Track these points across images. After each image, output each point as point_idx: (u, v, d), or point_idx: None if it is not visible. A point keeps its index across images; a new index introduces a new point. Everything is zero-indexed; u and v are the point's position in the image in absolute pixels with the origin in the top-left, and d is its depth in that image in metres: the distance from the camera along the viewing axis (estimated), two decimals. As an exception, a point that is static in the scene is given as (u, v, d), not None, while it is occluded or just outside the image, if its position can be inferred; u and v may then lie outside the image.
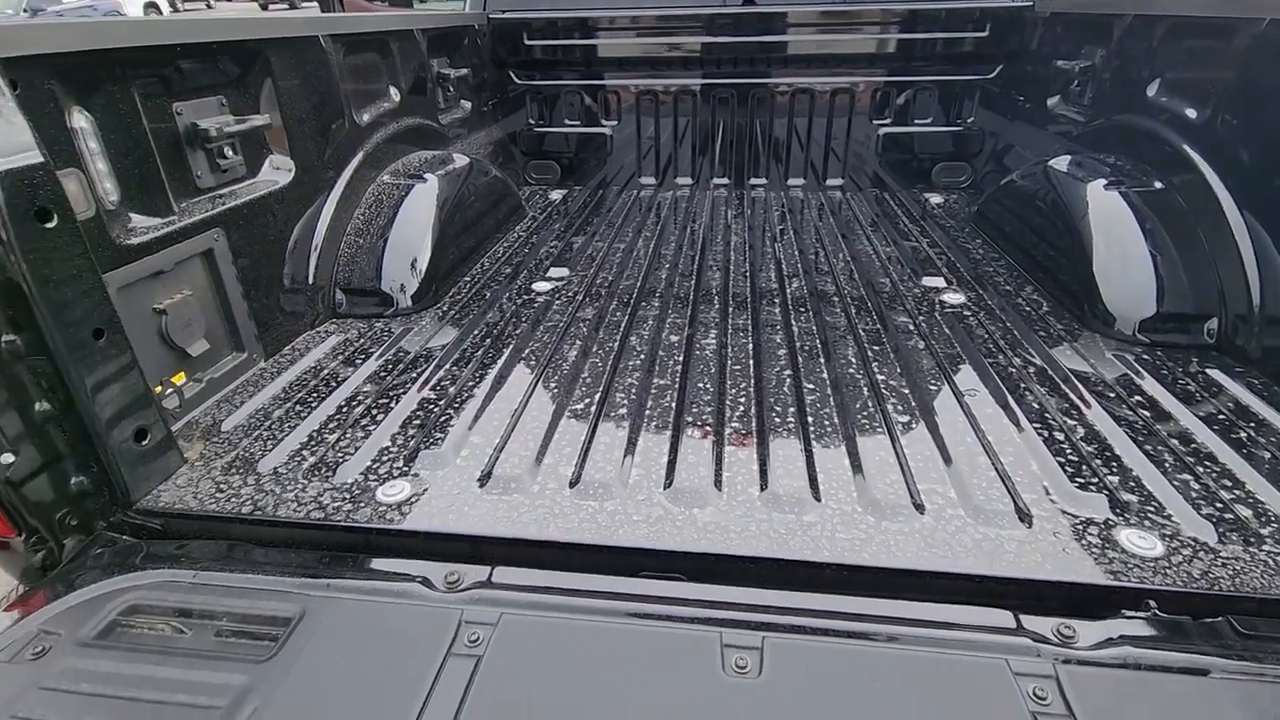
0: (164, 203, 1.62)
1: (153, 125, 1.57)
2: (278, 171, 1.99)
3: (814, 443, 1.52)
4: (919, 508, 1.32)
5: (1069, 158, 2.50)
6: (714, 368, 1.86)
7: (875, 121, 3.56)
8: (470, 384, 1.80)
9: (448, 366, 1.90)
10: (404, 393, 1.76)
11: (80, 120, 1.39)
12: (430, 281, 2.32)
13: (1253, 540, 1.21)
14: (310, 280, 2.11)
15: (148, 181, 1.58)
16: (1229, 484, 1.36)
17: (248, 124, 1.82)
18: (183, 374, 1.66)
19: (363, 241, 2.28)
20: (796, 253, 2.72)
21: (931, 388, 1.73)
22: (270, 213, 1.95)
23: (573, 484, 1.41)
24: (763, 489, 1.39)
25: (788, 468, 1.44)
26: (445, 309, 2.29)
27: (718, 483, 1.41)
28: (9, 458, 1.21)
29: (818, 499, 1.35)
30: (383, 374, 1.87)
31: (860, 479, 1.40)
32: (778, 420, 1.61)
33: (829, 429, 1.57)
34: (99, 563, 1.28)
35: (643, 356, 1.92)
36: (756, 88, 3.53)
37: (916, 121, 3.52)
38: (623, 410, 1.67)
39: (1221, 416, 1.58)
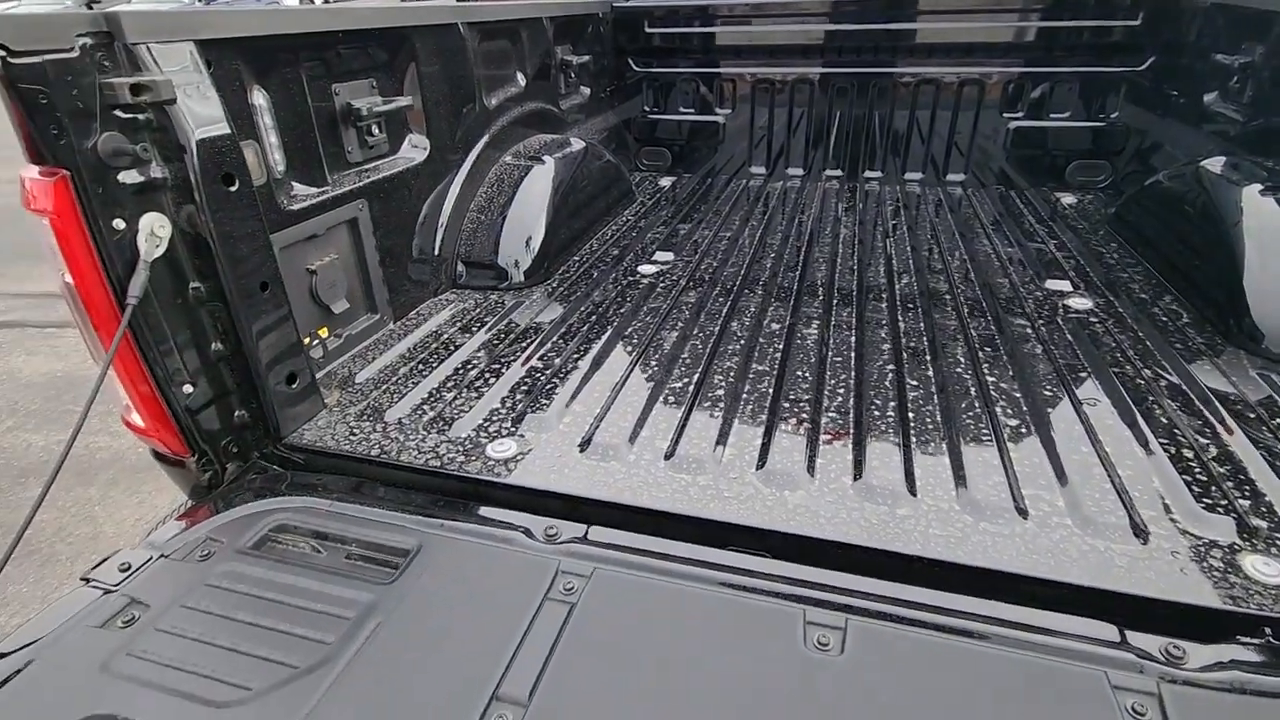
0: (320, 174, 1.80)
1: (315, 104, 1.75)
2: (415, 150, 2.16)
3: (913, 440, 1.50)
4: (1022, 512, 1.29)
5: (1224, 159, 2.29)
6: (814, 358, 1.86)
7: (1005, 114, 3.37)
8: (574, 357, 1.89)
9: (554, 340, 2.00)
10: (514, 361, 1.88)
11: (259, 98, 1.58)
12: (542, 259, 2.44)
13: None
14: (436, 252, 2.28)
15: (308, 154, 1.76)
16: None
17: (393, 105, 1.98)
18: (326, 329, 1.85)
19: (484, 218, 2.43)
20: (909, 249, 2.64)
21: (1046, 394, 1.66)
22: (406, 188, 2.12)
23: (667, 457, 1.47)
24: (856, 478, 1.39)
25: (884, 461, 1.44)
26: (555, 285, 2.40)
27: (810, 469, 1.42)
28: (189, 389, 1.41)
29: (913, 494, 1.34)
30: (495, 342, 2.00)
31: (960, 479, 1.38)
32: (877, 415, 1.60)
33: (930, 428, 1.55)
34: (253, 486, 1.47)
35: (742, 343, 1.95)
36: (878, 78, 3.43)
37: (1052, 115, 3.31)
38: (719, 392, 1.71)
39: None
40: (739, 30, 3.53)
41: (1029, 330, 1.98)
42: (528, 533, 1.29)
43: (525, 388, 1.75)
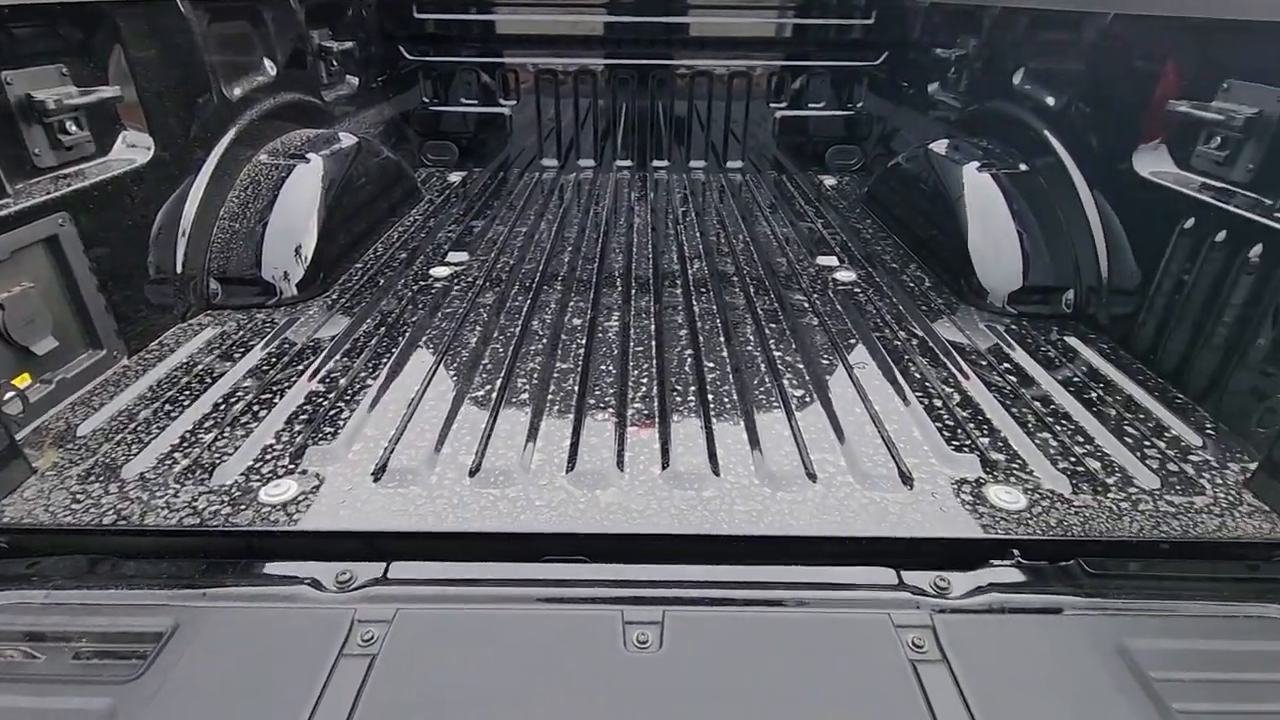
0: (-8, 184, 1.44)
1: (-26, 95, 1.39)
2: (134, 150, 1.81)
3: (714, 420, 1.55)
4: (811, 477, 1.38)
5: (947, 142, 2.65)
6: (617, 350, 1.86)
7: (772, 105, 3.65)
8: (363, 375, 1.72)
9: (338, 357, 1.80)
10: (289, 387, 1.66)
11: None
12: (317, 268, 2.20)
13: (1099, 489, 1.34)
14: (179, 269, 1.95)
15: (-29, 160, 1.40)
16: (1081, 440, 1.49)
17: (94, 96, 1.65)
18: (27, 375, 1.50)
19: (239, 226, 2.12)
20: (698, 235, 2.75)
21: (825, 363, 1.80)
22: (128, 195, 1.78)
23: (473, 472, 1.38)
24: (664, 467, 1.41)
25: (689, 445, 1.47)
26: (335, 297, 2.17)
27: (620, 464, 1.41)
28: None
29: (717, 474, 1.39)
30: (265, 368, 1.75)
31: (758, 453, 1.45)
32: (679, 400, 1.63)
33: (729, 406, 1.61)
34: (-71, 590, 1.14)
35: (545, 341, 1.90)
36: (657, 69, 3.53)
37: (810, 105, 3.64)
38: (524, 395, 1.64)
39: (1076, 379, 1.73)
40: (517, 19, 3.44)
41: (806, 304, 2.15)
42: (315, 584, 1.14)
43: (305, 416, 1.55)
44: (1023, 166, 2.32)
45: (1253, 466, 1.39)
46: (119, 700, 0.93)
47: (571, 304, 2.13)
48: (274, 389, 1.65)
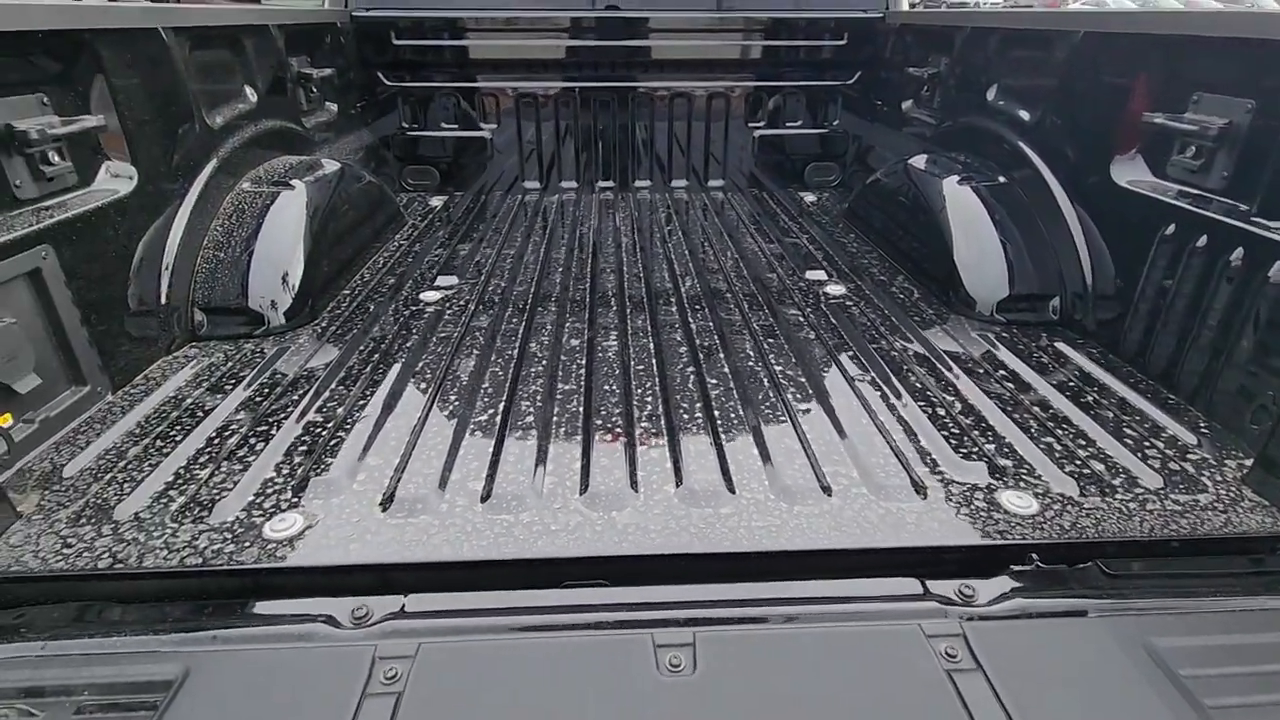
0: (-27, 217, 1.39)
1: (-46, 127, 1.34)
2: (117, 179, 1.77)
3: (723, 436, 1.55)
4: (826, 490, 1.38)
5: (925, 156, 2.72)
6: (618, 369, 1.85)
7: (750, 124, 3.70)
8: (360, 403, 1.68)
9: (333, 386, 1.76)
10: (285, 418, 1.61)
11: None
12: (305, 297, 2.15)
13: (1107, 490, 1.36)
14: (163, 300, 1.89)
15: (-50, 192, 1.35)
16: (1084, 443, 1.52)
17: (77, 126, 1.60)
18: (9, 415, 1.43)
19: (224, 255, 2.07)
20: (686, 252, 2.77)
21: (825, 375, 1.82)
22: (111, 226, 1.73)
23: (484, 499, 1.35)
24: (678, 485, 1.39)
25: (700, 462, 1.46)
26: (324, 325, 2.13)
27: (633, 483, 1.40)
28: None
29: (732, 490, 1.38)
30: (258, 399, 1.70)
31: (770, 467, 1.44)
32: (686, 417, 1.63)
33: (735, 421, 1.61)
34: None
35: (545, 363, 1.88)
36: (634, 91, 3.57)
37: (787, 125, 3.71)
38: (529, 419, 1.62)
39: (1070, 384, 1.77)
40: (491, 44, 3.45)
41: (800, 318, 2.17)
42: (331, 620, 1.10)
43: (304, 447, 1.51)
44: (1001, 179, 2.38)
45: (1249, 463, 1.43)
46: (132, 755, 0.88)
47: (568, 324, 2.11)
48: (269, 421, 1.60)
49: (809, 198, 3.60)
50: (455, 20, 3.37)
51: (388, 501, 1.34)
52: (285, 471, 1.43)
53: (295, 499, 1.35)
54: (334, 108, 3.11)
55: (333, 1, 3.23)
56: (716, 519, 1.30)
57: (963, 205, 2.35)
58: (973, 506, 1.33)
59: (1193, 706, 0.94)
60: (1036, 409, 1.66)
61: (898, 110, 3.29)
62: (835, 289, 2.41)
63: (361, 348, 1.97)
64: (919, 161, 2.70)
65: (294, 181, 2.33)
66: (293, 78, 2.77)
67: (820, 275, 2.53)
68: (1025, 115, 2.36)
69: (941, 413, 1.65)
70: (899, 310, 2.22)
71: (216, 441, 1.53)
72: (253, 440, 1.53)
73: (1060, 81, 2.19)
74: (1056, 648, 1.05)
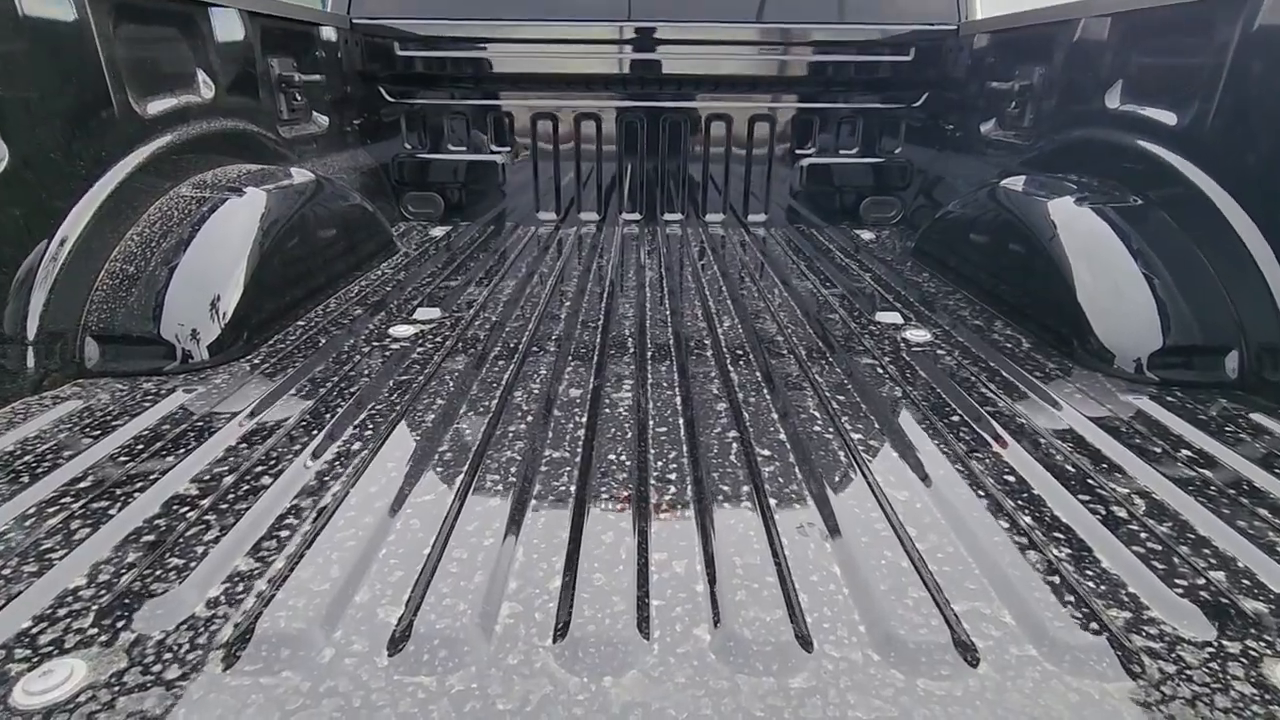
0: None
1: None
2: (-30, 158, 1.34)
3: (782, 544, 1.00)
4: (965, 648, 0.81)
5: (1023, 178, 2.21)
6: (630, 431, 1.32)
7: (798, 152, 3.25)
8: (258, 471, 1.17)
9: (232, 443, 1.26)
10: (143, 488, 1.11)
11: None
12: (240, 327, 1.69)
13: None
14: (35, 324, 1.44)
15: None
16: None
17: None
18: None
19: (134, 270, 1.63)
20: (728, 298, 2.25)
21: (930, 449, 1.26)
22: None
23: (394, 643, 0.81)
24: (715, 624, 0.85)
25: (752, 587, 0.91)
26: (257, 361, 1.65)
27: (643, 622, 0.85)
28: None
29: (806, 643, 0.82)
30: (123, 457, 1.21)
31: (864, 603, 0.89)
32: (726, 505, 1.09)
33: (802, 518, 1.06)
34: None
35: (530, 418, 1.37)
36: (669, 112, 3.16)
37: (842, 153, 3.24)
38: (494, 500, 1.10)
39: None
40: (508, 58, 3.08)
41: (879, 369, 1.63)
42: None
43: (151, 536, 1.00)
44: (1134, 199, 1.85)
45: None
46: None
47: (568, 371, 1.61)
48: (114, 493, 1.10)
49: (866, 235, 3.09)
50: (465, 32, 3.02)
51: (240, 642, 0.81)
52: (106, 575, 0.92)
53: (93, 631, 0.82)
54: (324, 120, 2.74)
55: (335, 4, 2.90)
56: (782, 696, 0.75)
57: (1085, 231, 1.82)
58: (1229, 695, 0.75)
59: None
60: (1264, 511, 1.08)
61: (975, 134, 2.80)
62: (917, 334, 1.87)
63: (292, 392, 1.48)
64: (1014, 183, 2.19)
65: (247, 189, 1.90)
66: (272, 79, 2.40)
67: (895, 318, 2.00)
68: (1170, 118, 1.84)
69: (1121, 513, 1.08)
70: (1008, 362, 1.67)
71: (30, 519, 1.03)
72: (76, 524, 1.03)
73: (1228, 63, 1.67)
74: None
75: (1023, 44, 2.58)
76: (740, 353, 1.73)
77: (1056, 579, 0.93)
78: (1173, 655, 0.80)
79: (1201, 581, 0.93)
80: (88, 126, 1.59)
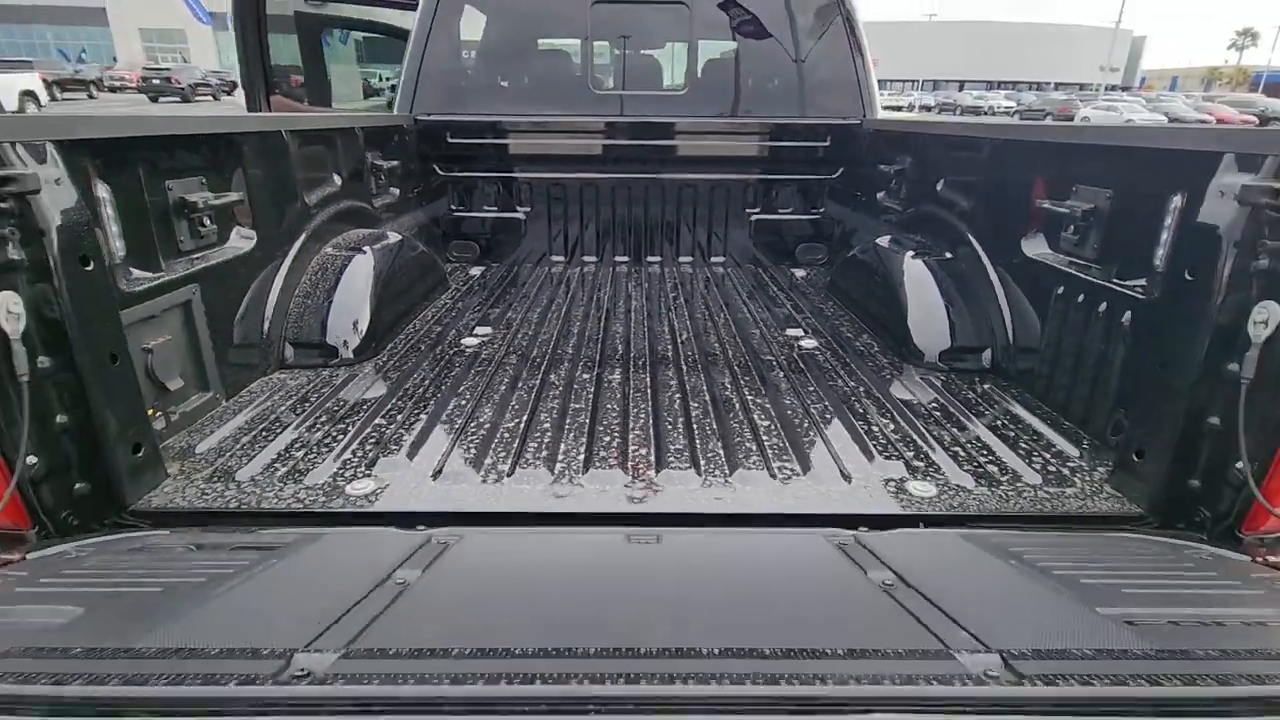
0: (155, 260, 1.92)
1: (151, 198, 1.90)
2: (243, 240, 2.32)
3: (698, 441, 1.97)
4: (774, 477, 1.78)
5: (889, 237, 3.22)
6: (619, 396, 2.29)
7: (748, 210, 4.28)
8: (416, 412, 2.14)
9: (393, 401, 2.22)
10: (357, 421, 2.07)
11: (102, 190, 1.71)
12: (371, 338, 2.66)
13: (994, 484, 1.74)
14: (265, 335, 2.41)
15: (144, 242, 1.88)
16: (986, 453, 1.91)
17: (222, 200, 2.16)
18: (162, 406, 1.92)
19: (309, 303, 2.60)
20: (687, 316, 3.25)
21: (792, 407, 2.24)
22: (235, 274, 2.26)
23: (509, 474, 1.77)
24: (657, 466, 1.81)
25: (674, 448, 1.87)
26: (384, 360, 2.62)
27: (624, 461, 1.81)
28: (33, 459, 1.45)
29: (698, 472, 1.78)
30: (335, 408, 2.17)
31: (732, 458, 1.85)
32: (670, 428, 2.05)
33: (709, 431, 2.03)
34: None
35: (559, 390, 2.34)
36: (651, 182, 4.19)
37: (781, 211, 4.28)
38: (546, 426, 2.06)
39: (985, 412, 2.17)
40: (529, 142, 4.12)
41: (775, 363, 2.61)
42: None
43: (373, 440, 1.96)
44: (948, 254, 2.86)
45: (1111, 466, 1.81)
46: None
47: (581, 364, 2.58)
48: (344, 423, 2.07)
49: (799, 273, 4.11)
50: (497, 123, 4.06)
51: (437, 474, 1.77)
52: (359, 454, 1.88)
53: (368, 471, 1.79)
54: (396, 191, 3.74)
55: (400, 108, 3.93)
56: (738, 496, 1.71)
57: (916, 275, 2.82)
58: (885, 490, 1.72)
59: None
60: (954, 429, 2.06)
61: (874, 200, 3.83)
62: (808, 342, 2.85)
63: (415, 376, 2.45)
64: (884, 240, 3.20)
65: (365, 248, 2.89)
66: (367, 168, 3.40)
67: (798, 333, 2.99)
68: (964, 203, 2.86)
69: (876, 430, 2.05)
70: (858, 358, 2.66)
71: (306, 434, 1.99)
72: (334, 434, 1.99)
73: (985, 176, 2.70)
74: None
75: (897, 140, 3.62)
76: (690, 354, 2.71)
77: (829, 455, 1.89)
78: (868, 479, 1.76)
79: (898, 455, 1.89)
80: (287, 215, 2.58)
